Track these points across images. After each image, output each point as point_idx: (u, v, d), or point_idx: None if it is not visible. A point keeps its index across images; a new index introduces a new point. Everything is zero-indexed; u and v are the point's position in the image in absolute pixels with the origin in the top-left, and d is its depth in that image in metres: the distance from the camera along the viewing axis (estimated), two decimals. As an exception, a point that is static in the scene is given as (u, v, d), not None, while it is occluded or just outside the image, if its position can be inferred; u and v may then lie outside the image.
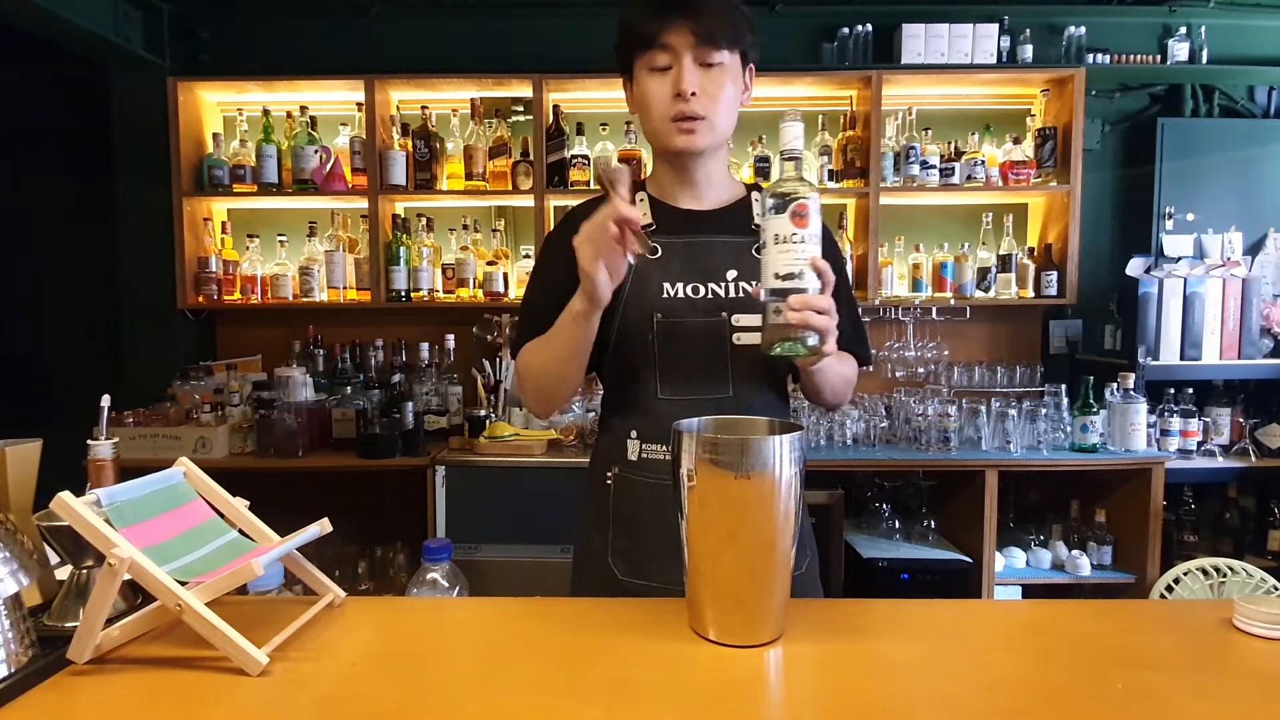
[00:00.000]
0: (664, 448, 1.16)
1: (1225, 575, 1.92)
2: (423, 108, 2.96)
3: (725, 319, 1.16)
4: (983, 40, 2.94)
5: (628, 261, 1.01)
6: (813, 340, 0.95)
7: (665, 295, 1.16)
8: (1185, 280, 2.73)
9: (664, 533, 1.13)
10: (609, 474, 1.21)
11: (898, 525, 2.78)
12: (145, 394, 2.83)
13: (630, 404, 1.19)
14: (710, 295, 1.17)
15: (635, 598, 1.00)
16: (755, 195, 1.25)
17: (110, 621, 0.79)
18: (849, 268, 2.94)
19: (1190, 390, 2.74)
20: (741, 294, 1.18)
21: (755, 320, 1.17)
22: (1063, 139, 2.91)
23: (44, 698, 0.73)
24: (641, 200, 1.23)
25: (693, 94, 1.11)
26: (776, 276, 0.95)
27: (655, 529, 1.15)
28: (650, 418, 1.17)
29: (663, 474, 1.15)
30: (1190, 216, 3.03)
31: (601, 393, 1.28)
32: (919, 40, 2.94)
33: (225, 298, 2.98)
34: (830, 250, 1.11)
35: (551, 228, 1.32)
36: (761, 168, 2.92)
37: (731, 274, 1.18)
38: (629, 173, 1.00)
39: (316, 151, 2.92)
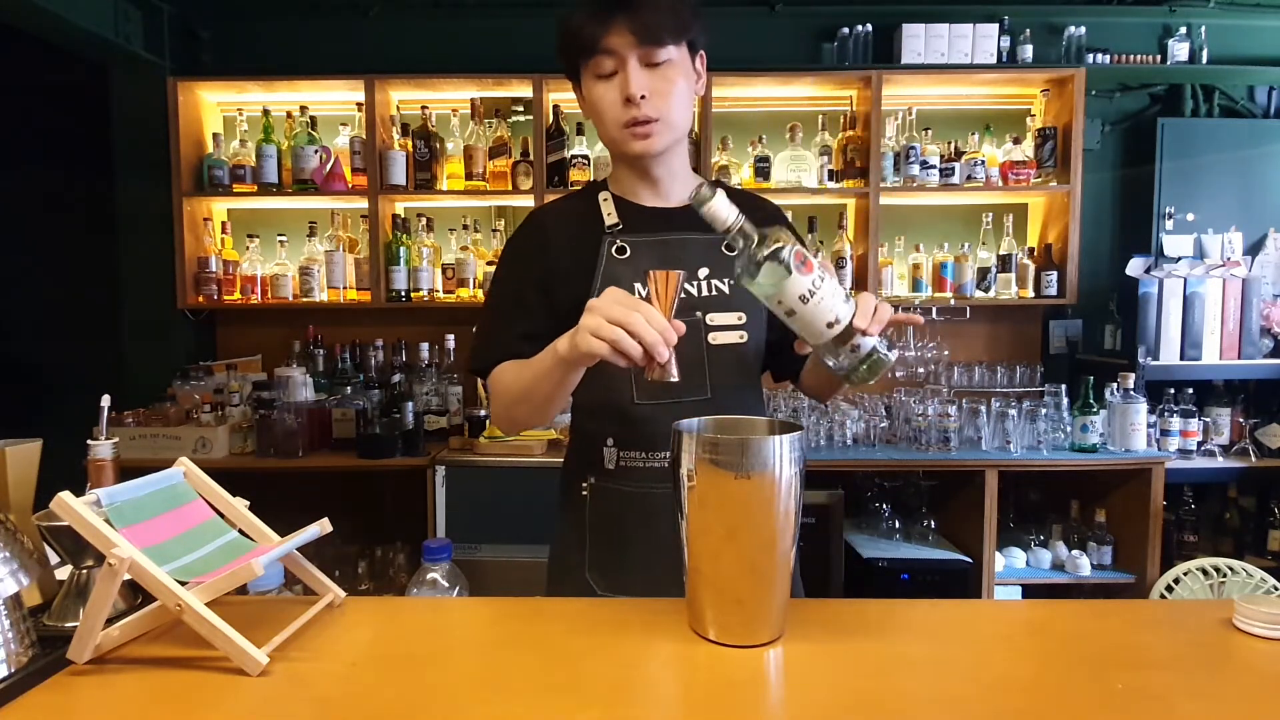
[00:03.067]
0: (643, 454, 1.12)
1: (1225, 575, 1.92)
2: (423, 108, 2.96)
3: (700, 318, 1.12)
4: (983, 40, 2.94)
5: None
6: (884, 346, 0.90)
7: (638, 296, 1.10)
8: (1185, 280, 2.73)
9: (648, 543, 1.10)
10: (584, 484, 1.16)
11: (898, 525, 2.78)
12: (145, 394, 2.83)
13: (605, 410, 1.14)
14: (683, 295, 1.11)
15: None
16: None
17: (110, 621, 0.78)
18: (849, 268, 2.95)
19: (1190, 390, 2.74)
20: (714, 292, 1.13)
21: (731, 319, 1.13)
22: (1063, 139, 2.91)
23: (44, 698, 0.73)
24: (605, 200, 1.18)
25: (642, 97, 1.06)
26: (829, 326, 0.88)
27: (638, 540, 1.11)
28: (627, 424, 1.12)
29: (644, 482, 1.12)
30: (1190, 216, 3.03)
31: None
32: (919, 40, 2.94)
33: (225, 298, 2.98)
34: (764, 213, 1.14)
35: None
36: (761, 168, 2.92)
37: (704, 272, 1.14)
38: (683, 278, 0.90)
39: (316, 151, 2.92)
